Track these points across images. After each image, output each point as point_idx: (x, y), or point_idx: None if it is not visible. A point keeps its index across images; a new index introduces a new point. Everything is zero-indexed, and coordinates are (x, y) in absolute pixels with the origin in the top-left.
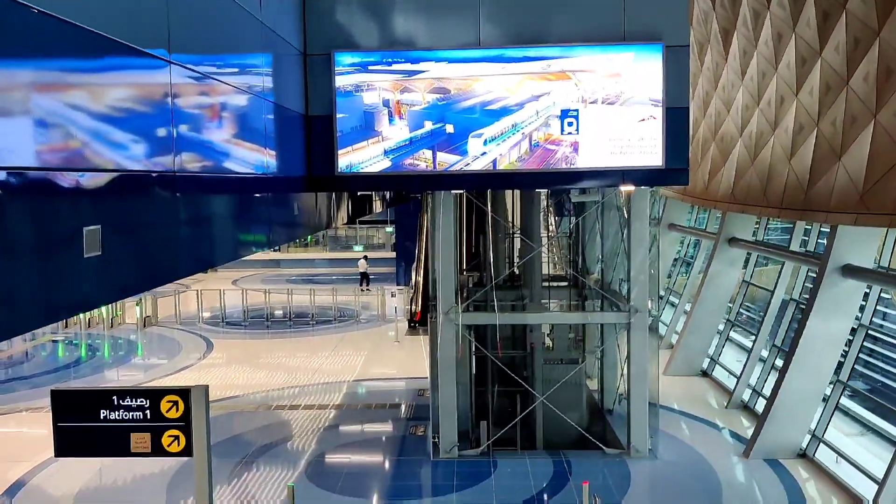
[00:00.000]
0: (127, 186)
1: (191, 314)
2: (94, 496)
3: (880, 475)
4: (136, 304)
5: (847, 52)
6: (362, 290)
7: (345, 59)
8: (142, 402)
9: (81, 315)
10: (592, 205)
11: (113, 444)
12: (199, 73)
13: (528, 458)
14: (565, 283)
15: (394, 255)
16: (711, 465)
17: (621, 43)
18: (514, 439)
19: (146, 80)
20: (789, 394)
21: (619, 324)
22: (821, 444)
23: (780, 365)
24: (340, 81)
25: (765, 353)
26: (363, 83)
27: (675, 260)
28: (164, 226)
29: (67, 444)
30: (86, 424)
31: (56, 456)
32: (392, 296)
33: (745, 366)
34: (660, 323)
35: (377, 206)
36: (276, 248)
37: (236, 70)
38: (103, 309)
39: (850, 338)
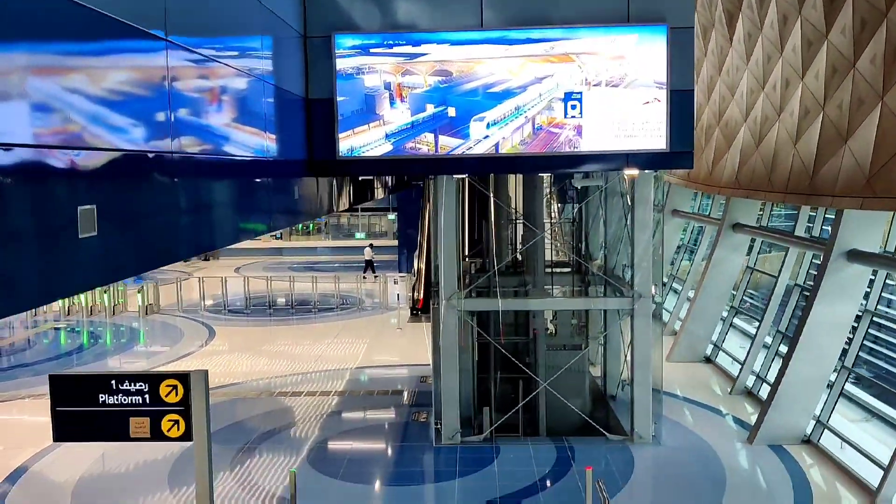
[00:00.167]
0: (123, 166)
1: (193, 302)
2: (95, 483)
3: (886, 461)
4: (138, 292)
5: (854, 34)
6: (364, 278)
7: (345, 41)
8: (141, 386)
9: (83, 302)
10: (595, 190)
11: (112, 428)
12: (196, 53)
13: (530, 445)
14: (568, 270)
15: (396, 242)
16: (715, 451)
17: (625, 24)
18: (517, 426)
19: (142, 59)
20: (794, 379)
21: (622, 310)
22: (825, 430)
23: (784, 351)
24: (341, 64)
25: (769, 340)
26: (364, 66)
27: (679, 247)
28: (161, 207)
29: (66, 428)
30: (84, 409)
31: (55, 441)
32: (394, 283)
33: (748, 352)
34: (663, 310)
35: (379, 192)
36: (278, 235)
37: (235, 52)
38: (105, 296)
39: (855, 325)
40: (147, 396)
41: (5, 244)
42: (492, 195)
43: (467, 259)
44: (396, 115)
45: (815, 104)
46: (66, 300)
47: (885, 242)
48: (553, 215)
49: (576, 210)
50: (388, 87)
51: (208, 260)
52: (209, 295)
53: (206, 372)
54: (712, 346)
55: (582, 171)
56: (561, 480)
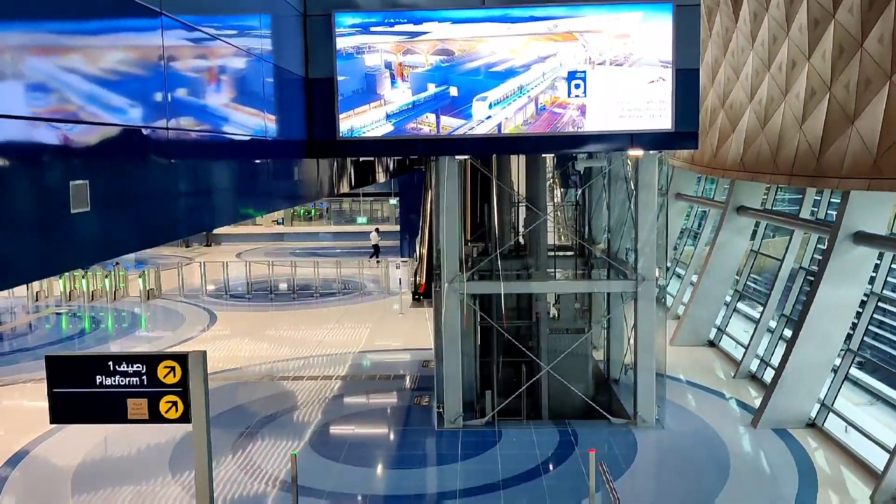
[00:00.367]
0: (116, 142)
1: (194, 287)
2: (96, 467)
3: (891, 444)
4: (140, 277)
5: (861, 13)
6: (374, 262)
7: (345, 19)
8: (138, 367)
9: (84, 287)
10: (599, 171)
11: (109, 410)
12: (191, 28)
13: (533, 428)
14: (571, 254)
15: (398, 228)
16: (719, 435)
17: (630, 1)
18: (520, 409)
19: (137, 34)
20: (798, 362)
21: (625, 293)
22: (830, 413)
23: (789, 335)
24: (341, 43)
25: (773, 324)
26: (364, 45)
27: (682, 231)
28: (157, 185)
29: (63, 410)
30: (82, 391)
31: (52, 423)
32: (396, 268)
33: (752, 336)
34: (666, 294)
35: (380, 176)
36: (280, 220)
37: (234, 31)
38: (106, 281)
39: (860, 310)
40: (145, 378)
41: None
42: (494, 177)
43: (469, 243)
44: (397, 95)
45: (822, 85)
46: (68, 285)
47: (892, 224)
48: (556, 199)
49: (579, 193)
50: (388, 66)
51: (210, 245)
52: (211, 280)
53: (204, 353)
54: (716, 329)
55: (586, 152)
56: (564, 464)
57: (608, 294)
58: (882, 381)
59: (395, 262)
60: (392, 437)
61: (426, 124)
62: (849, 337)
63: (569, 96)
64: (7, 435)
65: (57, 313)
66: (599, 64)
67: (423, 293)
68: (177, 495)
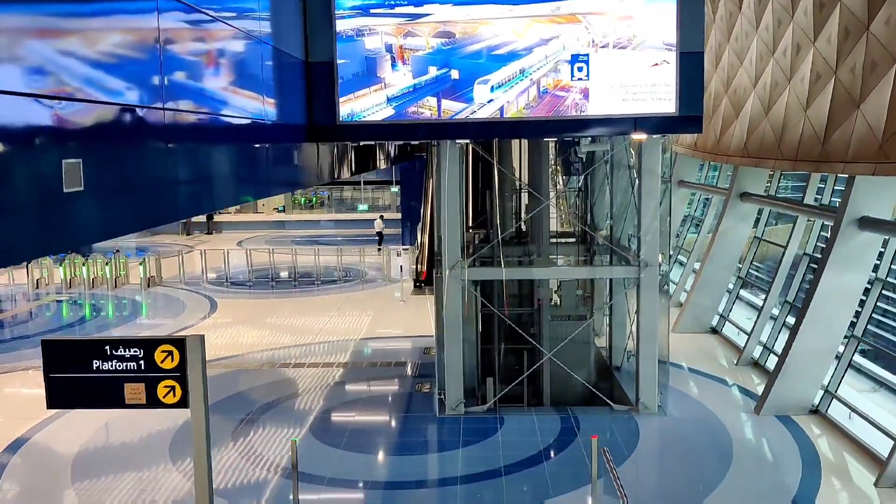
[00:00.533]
0: (111, 122)
1: (195, 274)
2: (95, 454)
3: (895, 431)
4: (140, 264)
5: None
6: (379, 251)
7: (346, 1)
8: (135, 351)
9: (85, 275)
10: (602, 156)
11: (106, 395)
12: (190, 8)
13: (535, 415)
14: (573, 240)
15: (399, 216)
16: (721, 421)
17: None
18: (521, 396)
19: (133, 14)
20: (802, 348)
21: (628, 279)
22: (833, 399)
23: (791, 322)
24: (341, 25)
25: (775, 311)
26: (364, 27)
27: (684, 219)
28: (152, 167)
29: (60, 395)
30: (78, 375)
31: (48, 408)
32: (398, 255)
33: (755, 322)
34: (669, 281)
35: (381, 162)
36: (281, 208)
37: (232, 13)
38: (107, 268)
39: (863, 298)
40: (142, 362)
41: None
42: (496, 163)
43: (471, 230)
44: (398, 78)
45: (827, 69)
46: (68, 272)
47: None
48: (558, 185)
49: (581, 180)
50: (389, 49)
51: (211, 233)
52: (211, 268)
53: (202, 337)
54: (718, 316)
55: (589, 136)
56: (566, 450)
57: (610, 281)
58: (885, 369)
59: (397, 249)
60: (393, 423)
61: (427, 108)
62: (853, 324)
63: (572, 79)
64: (7, 422)
65: (57, 301)
66: (603, 46)
67: (425, 281)
68: (177, 482)
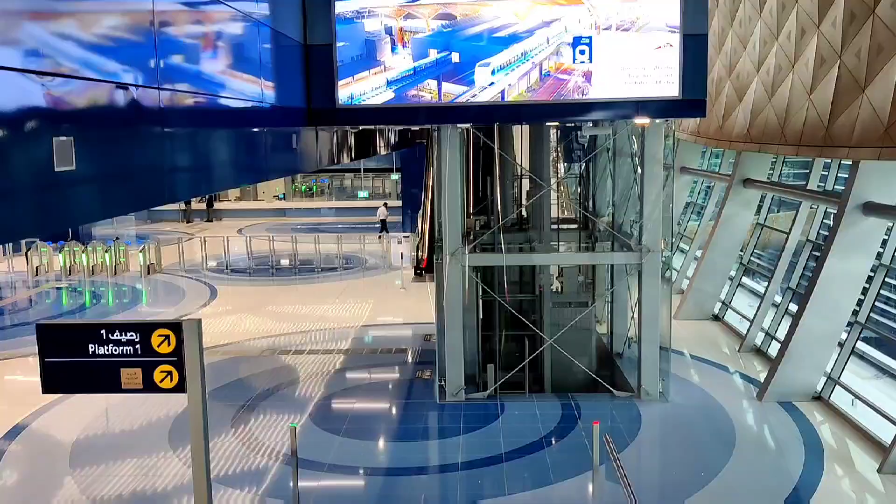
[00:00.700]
0: (105, 100)
1: (195, 262)
2: (94, 440)
3: None
4: (140, 252)
5: None
6: (380, 238)
7: None
8: (132, 336)
9: (85, 262)
10: (604, 140)
11: (102, 379)
12: None
13: (536, 402)
14: (575, 226)
15: (399, 203)
16: (724, 408)
17: None
18: (522, 383)
19: None
20: (805, 334)
21: (629, 265)
22: (836, 386)
23: (794, 309)
24: (340, 7)
25: (778, 299)
26: (364, 9)
27: (686, 206)
28: (147, 148)
29: (55, 379)
30: (74, 360)
31: (43, 392)
32: (398, 243)
33: (758, 309)
34: (671, 268)
35: (381, 148)
36: (282, 196)
37: None
38: (107, 256)
39: (867, 284)
40: (139, 347)
41: None
42: (497, 148)
43: (472, 217)
44: (398, 61)
45: (832, 53)
46: (68, 260)
47: None
48: (560, 171)
49: (583, 166)
50: (389, 31)
51: (211, 220)
52: (211, 255)
53: (199, 321)
54: (720, 303)
55: (591, 120)
56: (567, 437)
57: (612, 267)
58: (889, 355)
59: (398, 237)
60: (394, 410)
61: (427, 91)
62: (856, 311)
63: (574, 62)
64: (6, 408)
65: (57, 288)
66: (605, 29)
67: (425, 268)
68: (177, 469)
